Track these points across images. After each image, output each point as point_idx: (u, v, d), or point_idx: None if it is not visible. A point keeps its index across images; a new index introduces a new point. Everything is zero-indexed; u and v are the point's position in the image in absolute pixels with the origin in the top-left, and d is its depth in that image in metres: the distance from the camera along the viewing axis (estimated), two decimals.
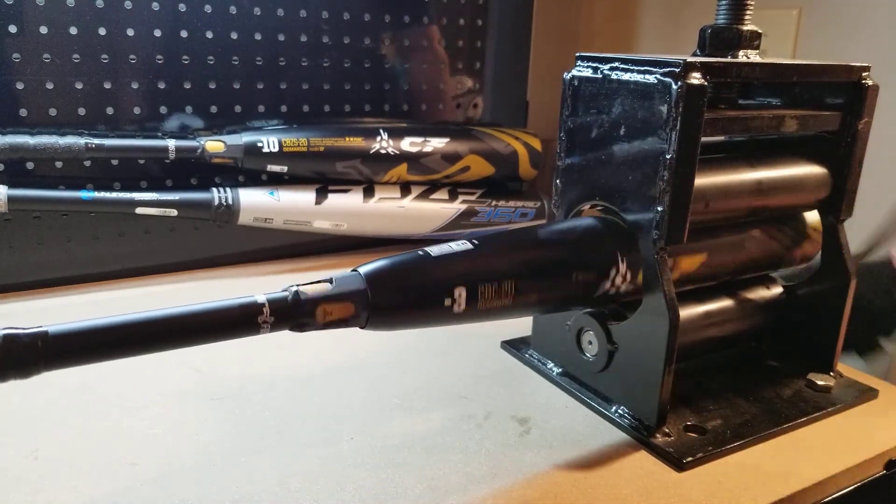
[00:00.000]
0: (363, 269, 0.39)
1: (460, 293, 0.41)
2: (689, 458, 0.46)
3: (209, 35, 0.75)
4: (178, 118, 0.76)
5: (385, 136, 0.81)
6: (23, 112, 0.68)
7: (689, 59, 0.44)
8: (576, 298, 0.47)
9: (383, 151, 0.80)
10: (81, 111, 0.71)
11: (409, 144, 0.82)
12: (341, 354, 0.60)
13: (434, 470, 0.45)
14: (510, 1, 0.94)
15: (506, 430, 0.50)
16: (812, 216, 0.59)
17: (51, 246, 0.72)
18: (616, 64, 0.48)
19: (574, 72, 0.51)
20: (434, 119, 0.92)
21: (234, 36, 0.76)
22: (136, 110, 0.73)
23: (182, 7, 0.73)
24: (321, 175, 0.80)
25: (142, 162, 0.75)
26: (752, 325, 0.60)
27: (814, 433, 0.51)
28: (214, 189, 0.74)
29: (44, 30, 0.67)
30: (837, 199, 0.56)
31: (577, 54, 0.51)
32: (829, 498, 0.47)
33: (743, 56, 0.51)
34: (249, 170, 0.77)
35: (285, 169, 0.77)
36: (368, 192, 0.81)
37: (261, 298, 0.36)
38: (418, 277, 0.40)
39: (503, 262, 0.43)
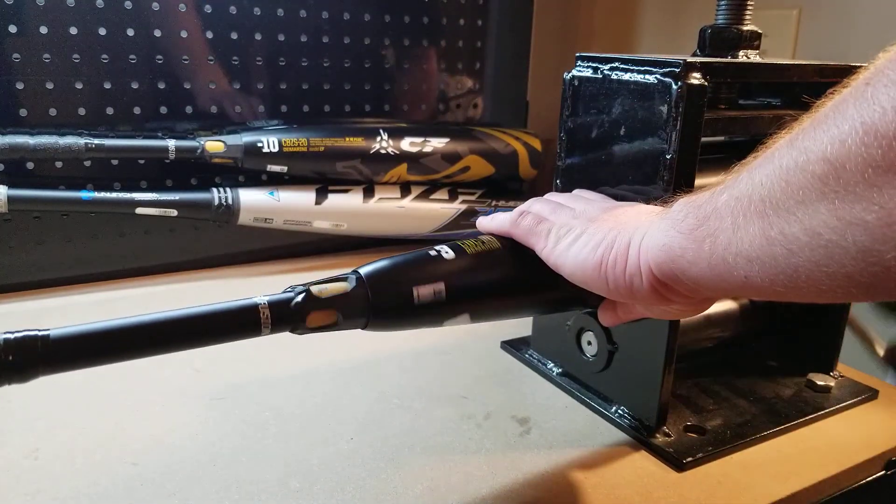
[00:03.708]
0: (363, 271, 0.39)
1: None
2: (689, 458, 0.46)
3: (209, 35, 0.75)
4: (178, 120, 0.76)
5: (385, 136, 0.81)
6: (23, 112, 0.68)
7: (689, 59, 0.44)
8: (576, 299, 0.46)
9: (383, 151, 0.80)
10: (81, 111, 0.71)
11: (409, 144, 0.82)
12: (341, 354, 0.60)
13: (434, 470, 0.45)
14: (510, 1, 0.94)
15: (506, 430, 0.50)
16: None
17: (51, 246, 0.72)
18: (616, 64, 0.48)
19: (574, 72, 0.51)
20: (434, 119, 0.92)
21: (234, 36, 0.76)
22: (136, 110, 0.73)
23: (182, 7, 0.73)
24: (321, 175, 0.80)
25: (142, 162, 0.75)
26: (752, 325, 0.60)
27: (814, 433, 0.51)
28: (214, 189, 0.74)
29: (44, 30, 0.67)
30: None
31: (577, 54, 0.51)
32: (829, 498, 0.47)
33: (743, 56, 0.51)
34: (249, 170, 0.77)
35: (285, 169, 0.77)
36: (368, 192, 0.81)
37: (262, 301, 0.36)
38: (419, 278, 0.40)
39: (504, 264, 0.43)
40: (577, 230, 0.41)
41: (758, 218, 0.28)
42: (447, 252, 0.42)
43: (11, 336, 0.30)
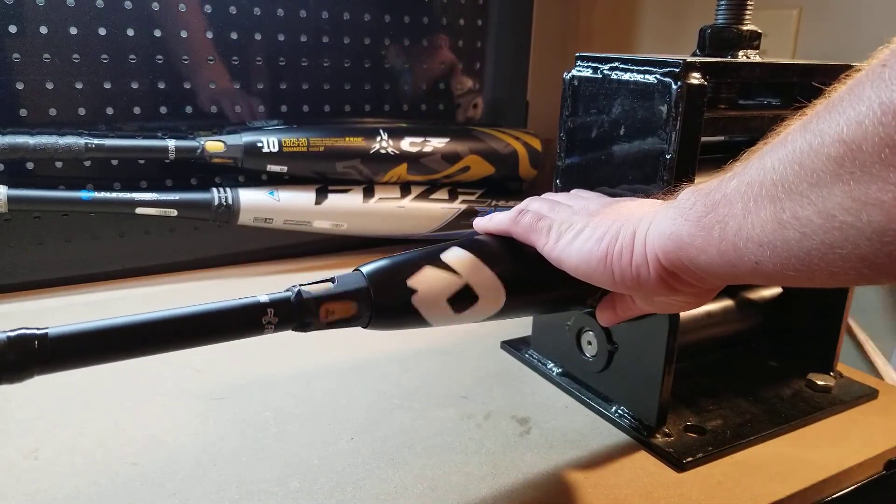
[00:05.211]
0: (365, 269, 0.39)
1: None
2: (689, 458, 0.46)
3: (209, 35, 0.75)
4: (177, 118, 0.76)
5: (385, 136, 0.81)
6: (23, 112, 0.68)
7: (689, 59, 0.44)
8: (577, 299, 0.47)
9: (383, 151, 0.80)
10: (81, 111, 0.71)
11: (409, 144, 0.82)
12: (341, 354, 0.60)
13: (434, 470, 0.45)
14: (510, 1, 0.94)
15: (506, 430, 0.50)
16: None
17: (51, 246, 0.72)
18: (616, 64, 0.48)
19: (574, 72, 0.51)
20: (434, 119, 0.92)
21: (234, 36, 0.76)
22: (136, 110, 0.73)
23: (182, 7, 0.73)
24: (321, 175, 0.80)
25: (142, 162, 0.75)
26: (752, 325, 0.60)
27: (814, 433, 0.51)
28: (214, 189, 0.74)
29: (44, 30, 0.67)
30: None
31: (577, 54, 0.51)
32: (830, 498, 0.47)
33: (743, 56, 0.51)
34: (249, 170, 0.77)
35: (285, 169, 0.77)
36: (368, 192, 0.81)
37: (264, 299, 0.36)
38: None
39: (506, 265, 0.43)
40: (579, 225, 0.41)
41: (769, 202, 0.28)
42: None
43: (11, 334, 0.30)
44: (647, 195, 0.45)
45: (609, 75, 0.48)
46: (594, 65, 0.50)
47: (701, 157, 0.45)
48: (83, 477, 0.43)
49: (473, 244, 0.43)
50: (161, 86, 0.74)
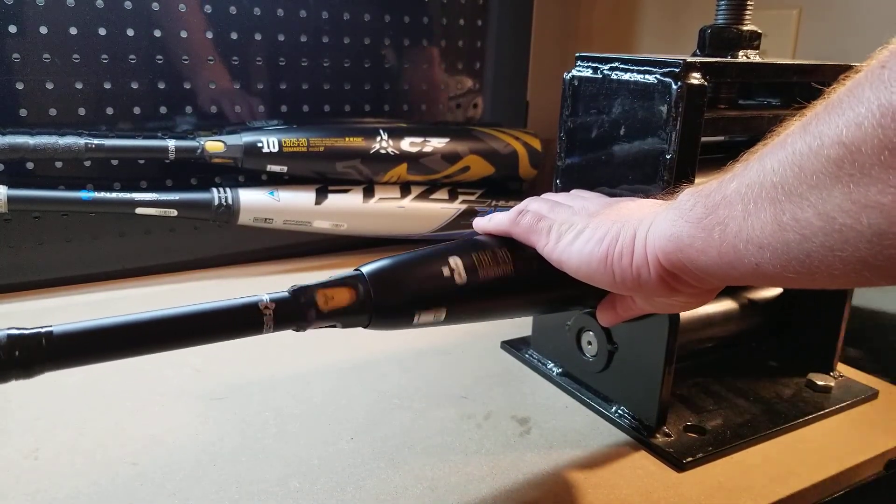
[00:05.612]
0: (366, 269, 0.39)
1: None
2: (689, 458, 0.46)
3: (209, 35, 0.75)
4: (178, 118, 0.76)
5: (385, 136, 0.81)
6: (23, 112, 0.68)
7: (689, 59, 0.44)
8: (577, 299, 0.47)
9: (383, 151, 0.80)
10: (81, 111, 0.71)
11: (409, 144, 0.82)
12: (341, 354, 0.60)
13: (434, 470, 0.45)
14: (510, 1, 0.94)
15: (506, 430, 0.50)
16: None
17: (51, 246, 0.72)
18: (616, 64, 0.48)
19: (574, 72, 0.51)
20: (434, 119, 0.92)
21: (234, 36, 0.76)
22: (136, 110, 0.73)
23: (182, 7, 0.73)
24: (321, 175, 0.80)
25: (142, 162, 0.75)
26: (752, 325, 0.60)
27: (814, 433, 0.51)
28: (214, 189, 0.74)
29: (44, 30, 0.67)
30: None
31: (577, 54, 0.51)
32: (829, 498, 0.47)
33: (743, 56, 0.51)
34: (249, 170, 0.77)
35: (285, 169, 0.77)
36: (368, 192, 0.81)
37: (265, 298, 0.36)
38: (421, 279, 0.40)
39: (506, 266, 0.43)
40: (579, 226, 0.41)
41: (769, 204, 0.28)
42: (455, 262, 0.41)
43: (14, 332, 0.30)
44: (647, 195, 0.45)
45: (609, 75, 0.48)
46: (594, 65, 0.50)
47: (701, 157, 0.45)
48: (83, 477, 0.43)
49: (473, 244, 0.43)
50: (161, 86, 0.74)
